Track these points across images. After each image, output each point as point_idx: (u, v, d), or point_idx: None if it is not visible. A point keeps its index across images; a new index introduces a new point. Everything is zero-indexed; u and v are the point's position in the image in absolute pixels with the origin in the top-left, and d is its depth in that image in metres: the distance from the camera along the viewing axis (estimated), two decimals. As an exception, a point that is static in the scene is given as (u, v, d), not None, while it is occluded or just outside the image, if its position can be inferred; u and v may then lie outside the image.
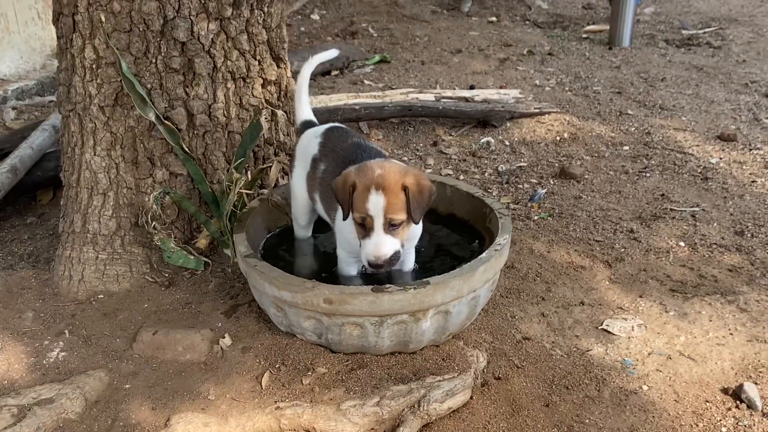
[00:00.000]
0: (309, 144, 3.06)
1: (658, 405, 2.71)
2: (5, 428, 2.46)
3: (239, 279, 3.28)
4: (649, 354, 2.98)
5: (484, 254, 2.77)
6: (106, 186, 3.27)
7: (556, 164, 4.83)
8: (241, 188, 3.13)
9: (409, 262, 2.96)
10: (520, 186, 4.54)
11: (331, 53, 3.43)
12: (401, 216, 2.50)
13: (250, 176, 3.30)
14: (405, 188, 2.48)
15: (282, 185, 3.45)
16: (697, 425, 2.62)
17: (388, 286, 2.57)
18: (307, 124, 3.29)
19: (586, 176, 4.64)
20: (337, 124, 3.16)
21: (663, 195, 4.37)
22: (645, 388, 2.79)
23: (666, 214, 4.13)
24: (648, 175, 4.67)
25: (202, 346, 2.89)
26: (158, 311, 3.14)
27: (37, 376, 2.78)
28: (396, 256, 2.56)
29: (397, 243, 2.54)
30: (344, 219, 2.58)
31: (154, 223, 3.18)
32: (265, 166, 3.30)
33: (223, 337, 2.92)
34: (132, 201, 3.31)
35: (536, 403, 2.70)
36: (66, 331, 3.02)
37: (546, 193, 4.41)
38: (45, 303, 3.21)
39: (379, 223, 2.47)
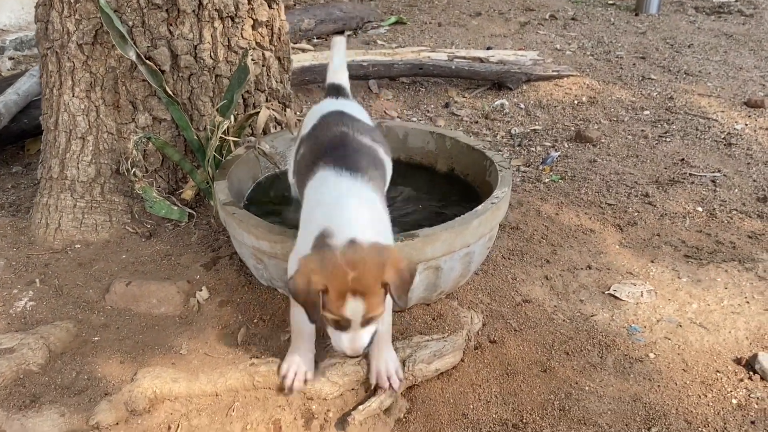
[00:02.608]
0: (309, 120, 2.63)
1: (664, 374, 2.51)
2: (-41, 377, 2.31)
3: (224, 231, 3.10)
4: (658, 321, 2.78)
5: (479, 207, 2.55)
6: (85, 129, 3.10)
7: (572, 128, 4.61)
8: (226, 134, 2.93)
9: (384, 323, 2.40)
10: (533, 149, 4.33)
11: None
12: (381, 309, 2.08)
13: (236, 122, 3.10)
14: (386, 284, 2.04)
15: (272, 133, 3.25)
16: (706, 396, 2.42)
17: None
18: (332, 90, 2.83)
19: (603, 140, 4.42)
20: (344, 109, 2.62)
21: (683, 160, 4.14)
22: (652, 356, 2.60)
23: (684, 179, 3.90)
24: (668, 139, 4.43)
25: (178, 299, 2.73)
26: (136, 262, 2.98)
27: (2, 325, 2.63)
28: (373, 339, 2.16)
29: (374, 328, 2.13)
30: (311, 322, 2.10)
31: (134, 170, 3.01)
32: (253, 112, 3.09)
33: (200, 290, 2.75)
34: (113, 146, 3.13)
35: (533, 368, 2.52)
36: (37, 281, 2.87)
37: (559, 156, 4.20)
38: (19, 251, 3.06)
39: (357, 322, 2.06)
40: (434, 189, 3.09)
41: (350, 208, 2.11)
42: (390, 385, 2.33)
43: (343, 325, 2.05)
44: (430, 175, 3.17)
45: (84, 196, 3.13)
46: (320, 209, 2.15)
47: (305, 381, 2.32)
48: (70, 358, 2.49)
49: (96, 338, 2.59)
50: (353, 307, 1.99)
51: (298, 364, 2.33)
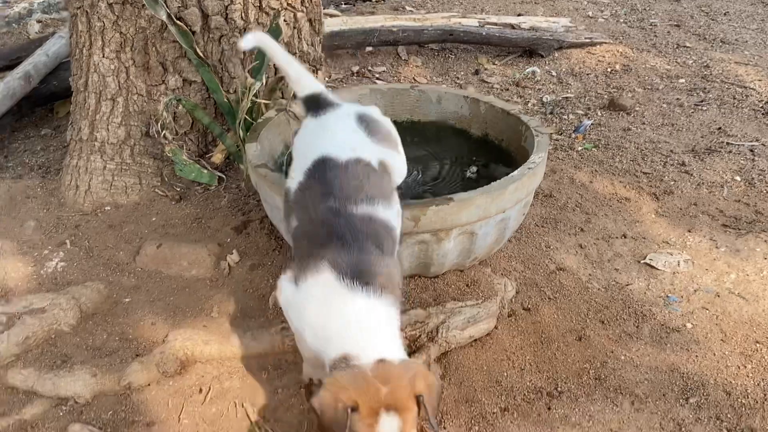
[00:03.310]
0: (298, 164, 2.17)
1: (702, 344, 2.46)
2: (-9, 336, 2.31)
3: (254, 195, 3.07)
4: (696, 291, 2.72)
5: (515, 172, 2.50)
6: (115, 91, 3.07)
7: (606, 96, 4.52)
8: (257, 97, 2.89)
9: None
10: (565, 117, 4.25)
11: None
12: (415, 425, 1.81)
13: (267, 85, 3.05)
14: (418, 397, 1.78)
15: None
16: (745, 366, 2.37)
17: (408, 201, 2.33)
18: (311, 104, 2.30)
19: (637, 108, 4.33)
20: (331, 155, 2.08)
21: (720, 129, 4.04)
22: (689, 326, 2.54)
23: (722, 147, 3.81)
24: (704, 108, 4.33)
25: (208, 262, 2.71)
26: (166, 225, 2.96)
27: (33, 285, 2.63)
28: None
29: None
30: None
31: (164, 132, 2.98)
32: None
33: (231, 253, 2.72)
34: (143, 108, 3.10)
35: (568, 336, 2.48)
36: (67, 242, 2.86)
37: (592, 124, 4.12)
38: (49, 213, 3.05)
39: None
40: (468, 154, 3.04)
41: (371, 335, 1.87)
42: None
43: None
44: (463, 140, 3.12)
45: (114, 158, 3.10)
46: (336, 332, 1.88)
47: None
48: (101, 319, 2.49)
49: (127, 299, 2.58)
50: (388, 426, 1.75)
51: None
